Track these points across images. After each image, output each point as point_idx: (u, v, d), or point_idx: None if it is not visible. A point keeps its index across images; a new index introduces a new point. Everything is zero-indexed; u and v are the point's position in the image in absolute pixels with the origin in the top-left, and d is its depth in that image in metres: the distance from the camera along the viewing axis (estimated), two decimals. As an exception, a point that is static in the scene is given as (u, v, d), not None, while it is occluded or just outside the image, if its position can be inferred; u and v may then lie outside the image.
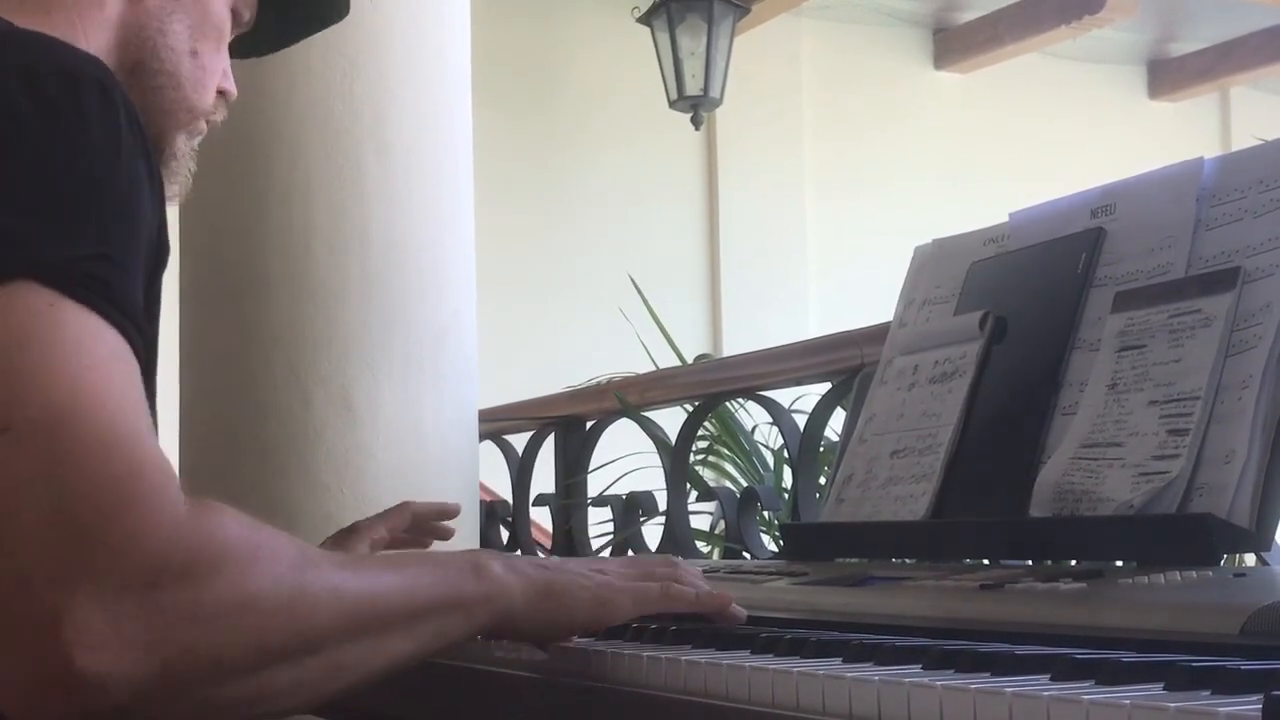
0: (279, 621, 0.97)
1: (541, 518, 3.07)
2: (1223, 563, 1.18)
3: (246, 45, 1.44)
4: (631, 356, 3.76)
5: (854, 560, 1.56)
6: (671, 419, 2.69)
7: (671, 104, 6.31)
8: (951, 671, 0.92)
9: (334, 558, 1.07)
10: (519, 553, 2.82)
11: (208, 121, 1.34)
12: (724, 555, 2.52)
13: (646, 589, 1.22)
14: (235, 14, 1.35)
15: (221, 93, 1.34)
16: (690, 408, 2.61)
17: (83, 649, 0.89)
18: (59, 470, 0.92)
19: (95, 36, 1.23)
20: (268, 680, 0.97)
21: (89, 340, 0.96)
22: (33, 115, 1.00)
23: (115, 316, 0.98)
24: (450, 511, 1.71)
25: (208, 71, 1.30)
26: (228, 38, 1.34)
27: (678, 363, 3.50)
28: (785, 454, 2.58)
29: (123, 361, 0.98)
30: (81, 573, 0.90)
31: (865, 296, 3.96)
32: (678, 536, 2.46)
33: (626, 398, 2.71)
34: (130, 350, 0.99)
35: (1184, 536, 1.18)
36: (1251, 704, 0.72)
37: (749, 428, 3.11)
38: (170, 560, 0.92)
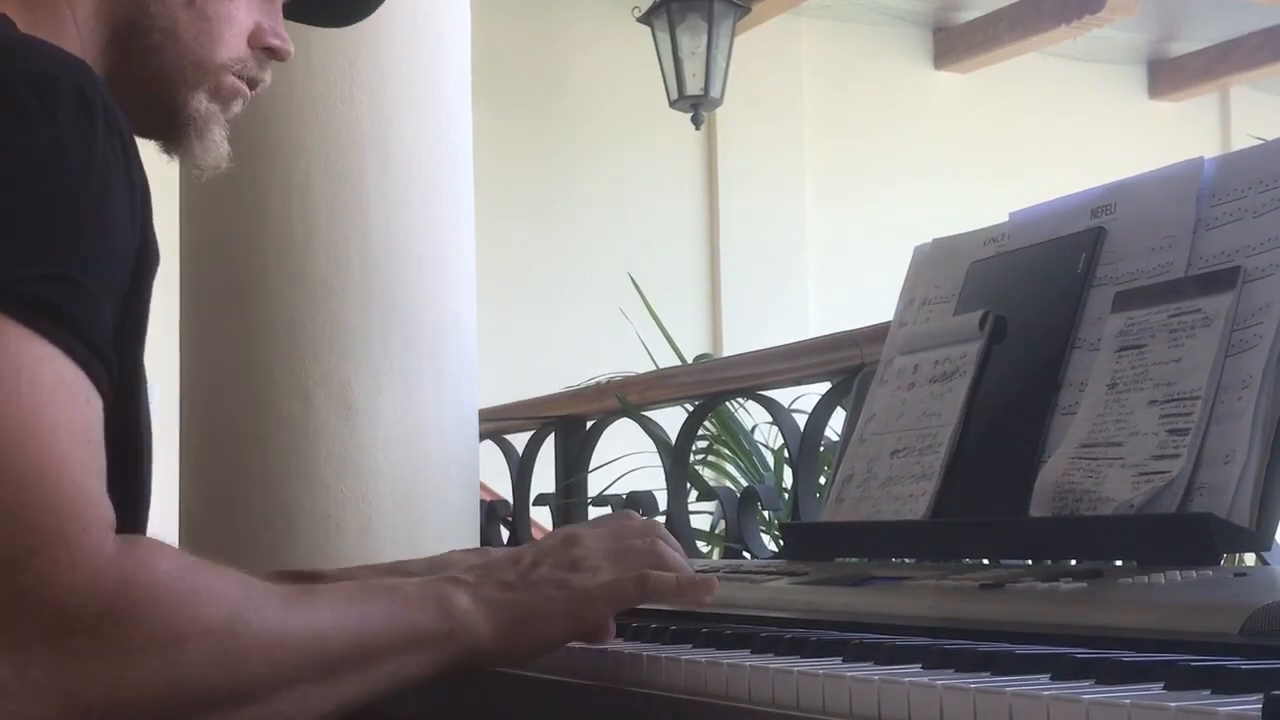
0: (208, 669, 0.92)
1: (542, 517, 3.07)
2: (1223, 562, 1.18)
3: (319, 11, 1.37)
4: (632, 356, 3.76)
5: (854, 560, 1.56)
6: (672, 418, 2.70)
7: (672, 103, 6.31)
8: (951, 671, 0.92)
9: (281, 596, 1.00)
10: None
11: (249, 81, 1.25)
12: (724, 555, 2.52)
13: (622, 590, 1.14)
14: None
15: (269, 49, 1.25)
16: (690, 407, 2.61)
17: None
18: None
19: (83, 10, 1.17)
20: None
21: (30, 367, 0.91)
22: (3, 126, 0.95)
23: (66, 341, 0.93)
24: None
25: (214, 22, 1.21)
26: None
27: (678, 362, 3.49)
28: (785, 454, 2.58)
29: (67, 389, 0.93)
30: None
31: (865, 296, 3.97)
32: (678, 536, 2.46)
33: (627, 397, 2.71)
34: (84, 377, 0.94)
35: (1184, 536, 1.18)
36: (1251, 703, 0.72)
37: (749, 427, 3.11)
38: (88, 605, 0.88)
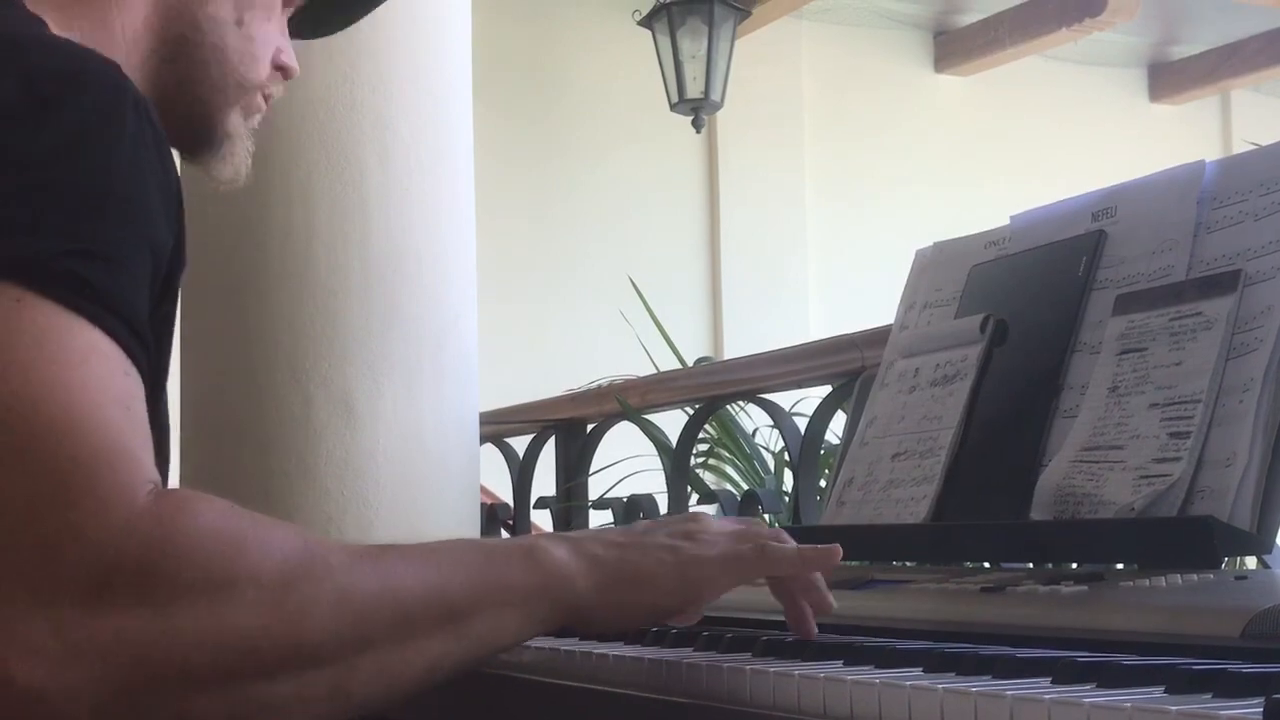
0: (262, 623, 0.88)
1: (542, 520, 3.07)
2: (1224, 566, 1.18)
3: (307, 25, 1.38)
4: (632, 359, 3.76)
5: (855, 563, 1.56)
6: (672, 422, 2.70)
7: (672, 107, 6.31)
8: (953, 674, 0.92)
9: (351, 551, 0.94)
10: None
11: (266, 98, 1.28)
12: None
13: (738, 554, 1.09)
14: None
15: (281, 69, 1.29)
16: (691, 410, 2.61)
17: (18, 657, 0.82)
18: None
19: (132, 17, 1.18)
20: (256, 693, 0.88)
21: (54, 336, 0.89)
22: (25, 114, 0.94)
23: (97, 314, 0.91)
24: None
25: (256, 43, 1.24)
26: (279, 10, 1.27)
27: (678, 365, 3.49)
28: (786, 457, 2.58)
29: (100, 357, 0.91)
30: (18, 575, 0.83)
31: (866, 299, 3.96)
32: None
33: (627, 400, 2.71)
34: (119, 350, 0.92)
35: (1185, 539, 1.18)
36: (1253, 707, 0.72)
37: (750, 430, 3.11)
38: (123, 558, 0.84)
